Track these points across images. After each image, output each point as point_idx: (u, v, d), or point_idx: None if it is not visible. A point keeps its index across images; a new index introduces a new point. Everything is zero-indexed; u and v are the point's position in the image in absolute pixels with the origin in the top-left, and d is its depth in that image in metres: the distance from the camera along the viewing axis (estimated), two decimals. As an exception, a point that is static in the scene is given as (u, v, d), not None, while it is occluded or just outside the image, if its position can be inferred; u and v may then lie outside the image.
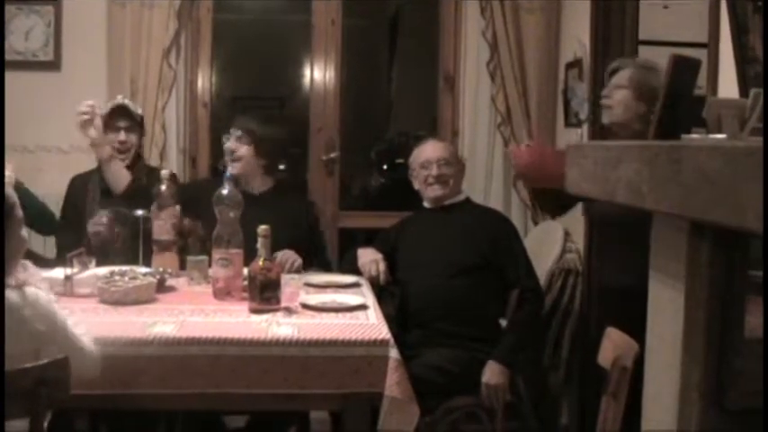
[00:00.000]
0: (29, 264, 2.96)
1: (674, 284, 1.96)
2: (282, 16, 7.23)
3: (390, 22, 7.89)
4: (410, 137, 5.22)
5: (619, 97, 3.37)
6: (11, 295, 2.29)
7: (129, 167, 3.99)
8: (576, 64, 4.52)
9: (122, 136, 4.03)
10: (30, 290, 2.35)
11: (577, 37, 4.45)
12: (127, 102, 4.16)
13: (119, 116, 4.06)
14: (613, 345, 2.57)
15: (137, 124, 4.15)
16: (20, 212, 2.39)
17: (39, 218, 3.94)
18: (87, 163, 4.23)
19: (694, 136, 2.00)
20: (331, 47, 5.18)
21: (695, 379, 1.89)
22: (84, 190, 4.07)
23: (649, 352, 2.18)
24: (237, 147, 3.92)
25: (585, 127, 4.27)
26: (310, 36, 5.23)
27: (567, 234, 4.31)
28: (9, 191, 2.38)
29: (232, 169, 3.77)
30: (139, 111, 4.24)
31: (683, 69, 2.15)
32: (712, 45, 3.01)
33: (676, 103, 2.10)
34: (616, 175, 1.95)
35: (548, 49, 4.87)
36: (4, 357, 2.17)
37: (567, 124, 4.67)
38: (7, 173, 3.68)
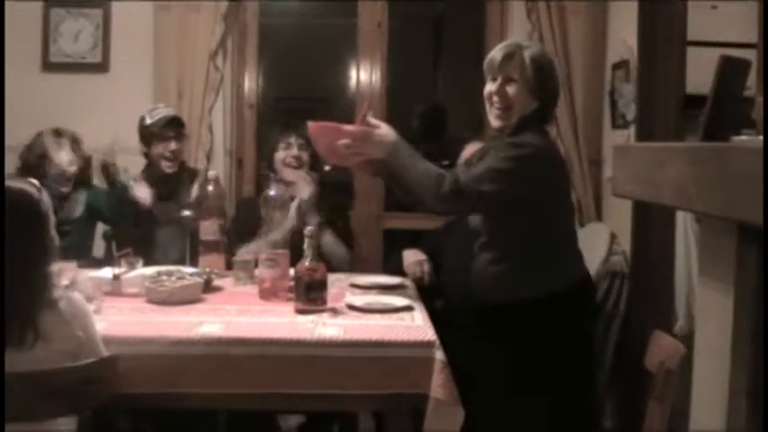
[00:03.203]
0: (73, 265, 3.01)
1: (723, 288, 1.94)
2: (327, 19, 7.24)
3: (435, 24, 7.88)
4: (458, 138, 5.21)
5: (513, 94, 2.96)
6: (58, 298, 2.33)
7: (176, 174, 4.18)
8: (622, 65, 4.49)
9: (173, 145, 4.12)
10: (74, 296, 2.40)
11: (624, 38, 4.42)
12: (173, 112, 4.27)
13: (169, 126, 4.14)
14: (659, 348, 2.55)
15: (183, 132, 4.27)
16: (52, 215, 2.43)
17: (111, 215, 4.18)
18: (133, 164, 4.30)
19: (744, 137, 1.98)
20: (377, 49, 5.20)
21: (743, 384, 1.87)
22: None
23: (698, 356, 2.16)
24: (301, 154, 4.02)
25: (633, 128, 4.24)
26: (355, 38, 5.25)
27: (613, 236, 4.28)
28: (44, 196, 2.41)
29: (292, 175, 3.95)
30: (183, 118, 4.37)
31: (732, 70, 2.13)
32: (761, 45, 2.98)
33: (725, 105, 2.08)
34: (662, 177, 1.94)
35: (594, 51, 4.84)
36: (5, 355, 2.20)
37: (614, 126, 4.64)
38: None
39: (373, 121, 2.94)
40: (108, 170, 4.12)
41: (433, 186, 2.80)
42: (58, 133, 4.07)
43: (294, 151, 4.00)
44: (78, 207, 4.10)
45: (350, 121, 3.03)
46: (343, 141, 2.87)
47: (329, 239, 3.87)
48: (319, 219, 3.83)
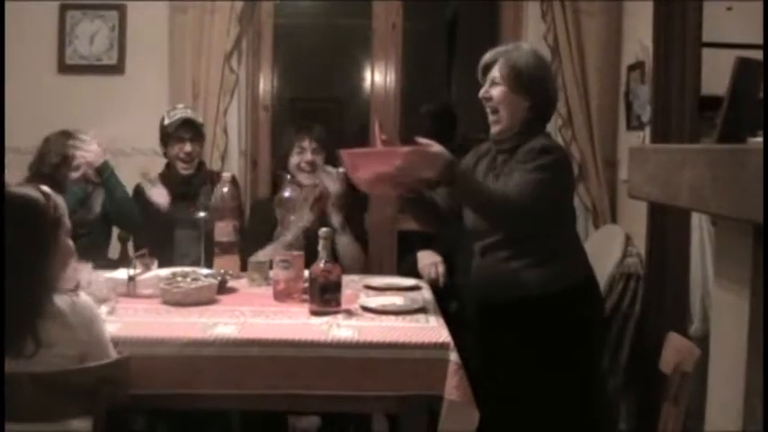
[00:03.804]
0: (87, 267, 3.00)
1: (739, 290, 1.93)
2: (342, 20, 7.25)
3: (449, 25, 7.87)
4: (469, 140, 5.21)
5: (496, 97, 3.04)
6: (61, 302, 2.31)
7: (192, 176, 4.18)
8: (637, 66, 4.47)
9: (188, 147, 4.12)
10: (78, 299, 2.37)
11: (639, 39, 4.40)
12: (190, 113, 4.24)
13: (184, 127, 4.13)
14: (674, 350, 2.54)
15: (200, 134, 4.24)
16: (67, 222, 2.42)
17: (117, 216, 4.13)
18: (149, 165, 4.30)
19: (759, 139, 1.97)
20: (391, 50, 5.19)
21: (759, 386, 1.86)
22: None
23: (713, 358, 2.15)
24: (315, 158, 4.00)
25: (648, 129, 4.23)
26: (369, 39, 5.25)
27: (628, 238, 4.27)
28: (59, 201, 2.40)
29: (309, 179, 3.97)
30: (200, 119, 4.35)
31: (748, 72, 2.11)
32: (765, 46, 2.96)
33: (740, 106, 2.07)
34: (679, 178, 1.93)
35: (609, 52, 4.82)
36: (4, 356, 2.19)
37: (630, 127, 4.63)
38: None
39: (424, 140, 2.85)
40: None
41: (501, 204, 2.77)
42: (67, 134, 4.04)
43: (308, 156, 3.98)
44: (95, 208, 4.09)
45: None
46: (399, 163, 2.80)
47: (346, 240, 3.86)
48: (342, 218, 3.84)
